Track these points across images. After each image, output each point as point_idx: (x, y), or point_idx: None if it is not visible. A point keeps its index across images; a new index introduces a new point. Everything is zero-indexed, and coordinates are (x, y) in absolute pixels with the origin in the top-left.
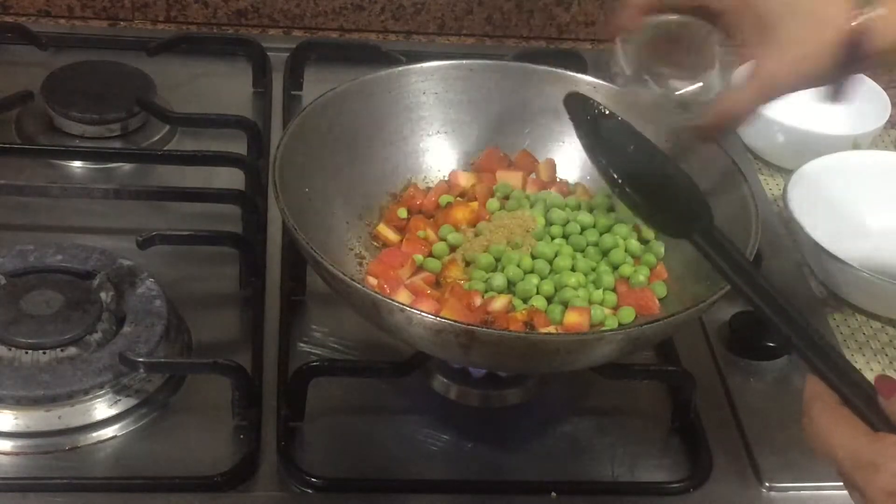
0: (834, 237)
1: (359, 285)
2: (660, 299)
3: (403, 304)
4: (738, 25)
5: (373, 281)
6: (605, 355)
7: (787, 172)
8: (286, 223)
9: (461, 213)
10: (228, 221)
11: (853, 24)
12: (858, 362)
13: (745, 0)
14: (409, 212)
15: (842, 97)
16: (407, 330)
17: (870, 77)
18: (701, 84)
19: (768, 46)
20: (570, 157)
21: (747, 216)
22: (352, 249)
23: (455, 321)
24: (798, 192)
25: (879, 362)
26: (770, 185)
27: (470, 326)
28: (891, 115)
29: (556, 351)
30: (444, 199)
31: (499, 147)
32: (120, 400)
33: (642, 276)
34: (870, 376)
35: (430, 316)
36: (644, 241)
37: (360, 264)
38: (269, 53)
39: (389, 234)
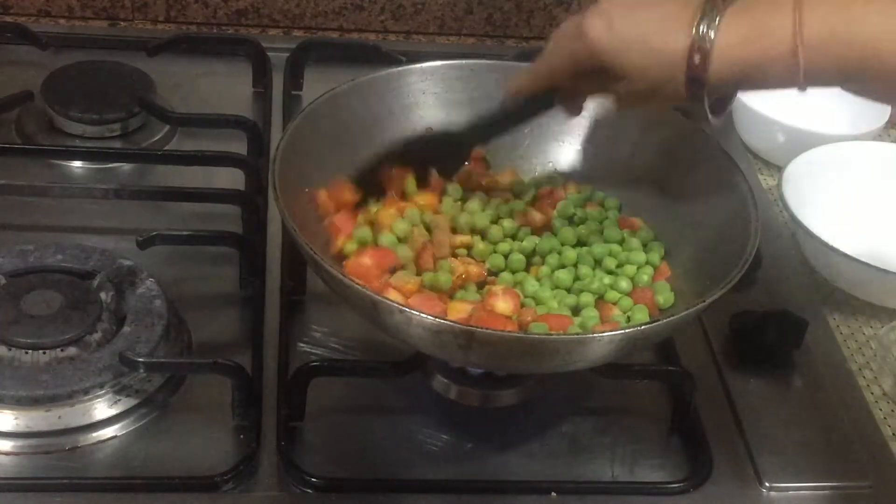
0: (830, 227)
1: (358, 286)
2: (665, 300)
3: (403, 305)
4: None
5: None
6: (605, 355)
7: None
8: (286, 223)
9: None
10: (228, 221)
11: (690, 59)
12: (858, 362)
13: (593, 62)
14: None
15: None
16: (406, 330)
17: None
18: None
19: (621, 81)
20: (569, 157)
21: (747, 216)
22: None
23: (454, 321)
24: (793, 182)
25: (878, 362)
26: (770, 184)
27: (469, 327)
28: (891, 115)
29: (556, 351)
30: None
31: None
32: (120, 400)
33: (646, 275)
34: (869, 376)
35: (429, 316)
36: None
37: None
38: (269, 53)
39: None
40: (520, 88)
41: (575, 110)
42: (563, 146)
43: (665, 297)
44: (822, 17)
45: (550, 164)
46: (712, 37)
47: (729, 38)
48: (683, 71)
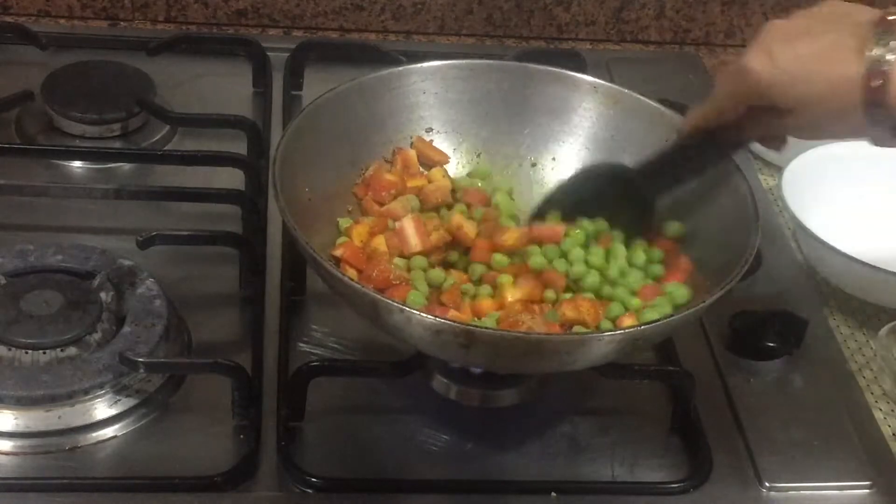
0: (830, 227)
1: (358, 286)
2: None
3: (403, 305)
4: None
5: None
6: (605, 355)
7: None
8: (286, 223)
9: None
10: (228, 221)
11: (869, 83)
12: (858, 362)
13: (756, 94)
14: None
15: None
16: (406, 330)
17: None
18: None
19: (789, 115)
20: (569, 157)
21: (747, 216)
22: None
23: (454, 321)
24: (794, 182)
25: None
26: (770, 184)
27: (469, 327)
28: None
29: (556, 351)
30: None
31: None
32: (120, 400)
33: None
34: (869, 376)
35: (429, 316)
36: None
37: None
38: (269, 53)
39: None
40: (693, 128)
41: (775, 146)
42: (563, 146)
43: (680, 294)
44: None
45: (551, 161)
46: (890, 59)
47: None
48: (860, 98)
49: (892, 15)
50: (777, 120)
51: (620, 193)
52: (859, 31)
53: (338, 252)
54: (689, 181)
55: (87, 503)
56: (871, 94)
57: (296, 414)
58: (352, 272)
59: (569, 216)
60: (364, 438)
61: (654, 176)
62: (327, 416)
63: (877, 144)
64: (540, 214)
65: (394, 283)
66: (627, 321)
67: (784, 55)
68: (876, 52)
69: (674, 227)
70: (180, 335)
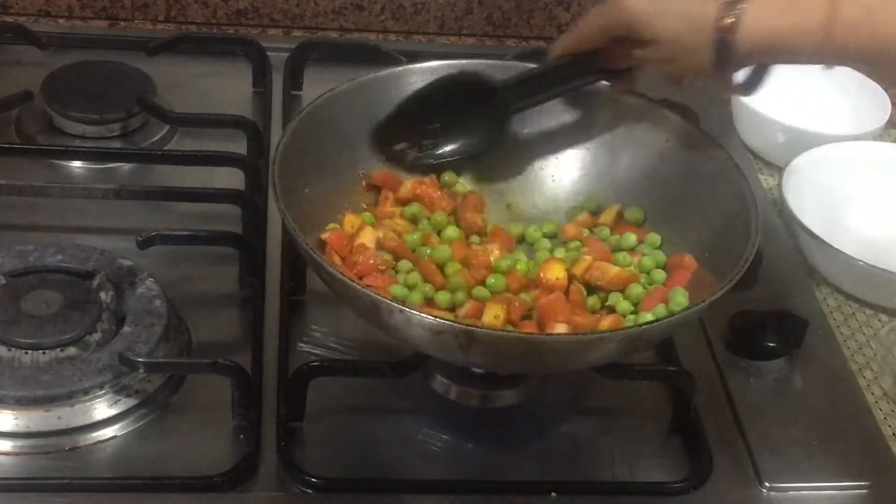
0: (830, 227)
1: (358, 286)
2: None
3: (403, 305)
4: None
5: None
6: (605, 355)
7: None
8: (286, 223)
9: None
10: (228, 221)
11: (720, 22)
12: (858, 362)
13: (622, 24)
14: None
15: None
16: (406, 330)
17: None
18: None
19: (649, 46)
20: (568, 157)
21: (747, 215)
22: None
23: (455, 321)
24: (794, 182)
25: (878, 362)
26: (770, 184)
27: (469, 327)
28: (891, 115)
29: (556, 351)
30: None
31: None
32: (120, 400)
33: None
34: (869, 376)
35: (429, 317)
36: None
37: None
38: (269, 53)
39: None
40: (562, 50)
41: (622, 85)
42: (562, 146)
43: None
44: None
45: (551, 161)
46: (744, 4)
47: (762, 9)
48: (712, 35)
49: None
50: (638, 50)
51: (478, 102)
52: None
53: (325, 236)
54: (549, 98)
55: (86, 503)
56: (721, 32)
57: (296, 414)
58: (336, 258)
59: (421, 122)
60: (364, 438)
61: (516, 91)
62: (327, 416)
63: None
64: (390, 119)
65: (379, 268)
66: (608, 322)
67: None
68: None
69: (633, 212)
70: (180, 335)
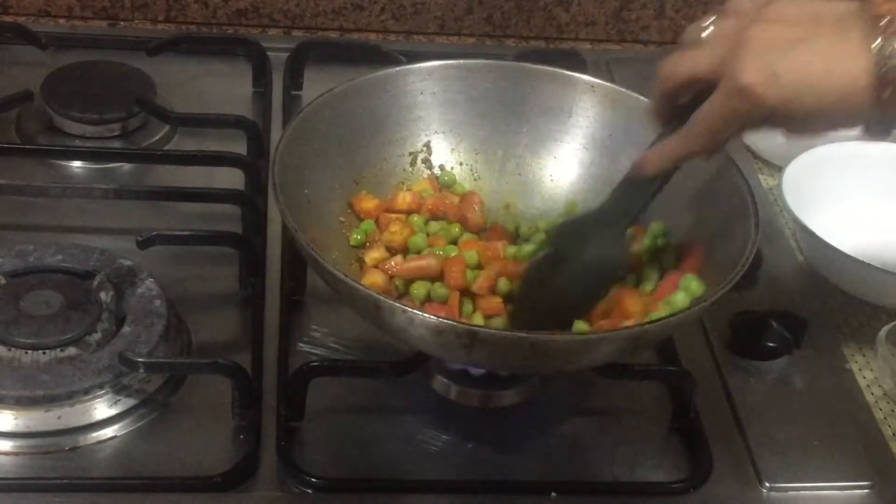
0: (830, 227)
1: (359, 286)
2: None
3: (405, 306)
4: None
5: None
6: (605, 355)
7: None
8: (286, 223)
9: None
10: (228, 221)
11: (879, 91)
12: (858, 362)
13: (752, 119)
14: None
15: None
16: (408, 331)
17: None
18: None
19: (794, 122)
20: (568, 157)
21: (747, 215)
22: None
23: (457, 321)
24: (794, 182)
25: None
26: (770, 184)
27: (472, 327)
28: None
29: (558, 351)
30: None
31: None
32: (120, 400)
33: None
34: (869, 376)
35: (431, 317)
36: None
37: (360, 265)
38: (269, 53)
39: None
40: (666, 167)
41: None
42: (562, 146)
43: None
44: None
45: (550, 161)
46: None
47: None
48: (867, 101)
49: (881, 13)
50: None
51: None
52: (852, 26)
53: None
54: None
55: (86, 503)
56: (881, 103)
57: (296, 414)
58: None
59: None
60: (364, 438)
61: (616, 218)
62: (327, 416)
63: (870, 139)
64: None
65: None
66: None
67: (786, 67)
68: (880, 54)
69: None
70: (180, 335)
